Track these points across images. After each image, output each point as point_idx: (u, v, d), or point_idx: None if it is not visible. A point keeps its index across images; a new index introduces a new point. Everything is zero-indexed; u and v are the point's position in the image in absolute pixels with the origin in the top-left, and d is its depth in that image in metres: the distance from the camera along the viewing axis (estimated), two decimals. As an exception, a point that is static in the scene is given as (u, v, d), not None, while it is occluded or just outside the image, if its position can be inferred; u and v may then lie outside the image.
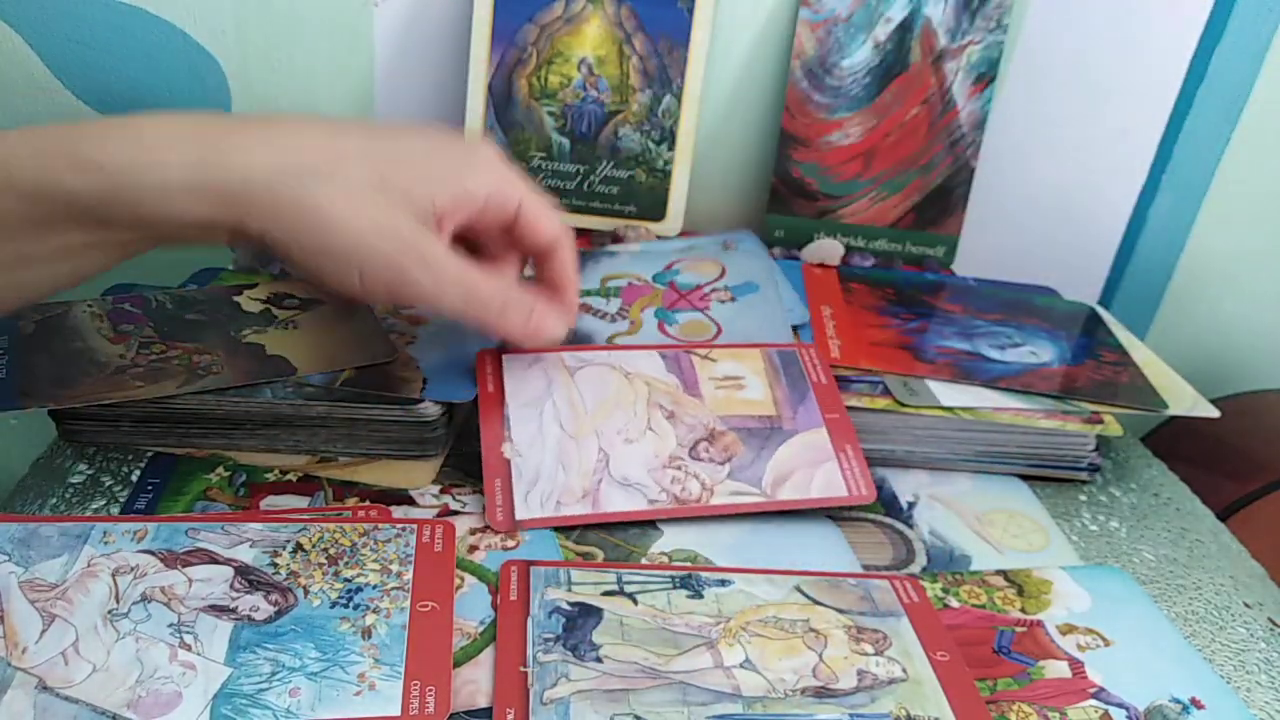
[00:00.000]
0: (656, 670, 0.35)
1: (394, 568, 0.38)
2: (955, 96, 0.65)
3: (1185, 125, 0.67)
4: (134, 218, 0.37)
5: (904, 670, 0.36)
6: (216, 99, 0.64)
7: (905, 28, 0.64)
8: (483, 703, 0.34)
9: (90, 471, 0.45)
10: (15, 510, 0.43)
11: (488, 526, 0.43)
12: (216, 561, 0.38)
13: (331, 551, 0.39)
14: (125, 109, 0.62)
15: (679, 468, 0.45)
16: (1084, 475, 0.51)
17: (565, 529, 0.43)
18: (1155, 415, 0.51)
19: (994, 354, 0.55)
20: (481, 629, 0.38)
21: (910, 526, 0.46)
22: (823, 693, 0.35)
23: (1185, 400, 0.52)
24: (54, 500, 0.43)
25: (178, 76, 0.62)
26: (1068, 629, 0.40)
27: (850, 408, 0.49)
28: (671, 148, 0.65)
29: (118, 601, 0.35)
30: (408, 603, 0.37)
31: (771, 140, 0.68)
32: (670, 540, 0.43)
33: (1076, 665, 0.38)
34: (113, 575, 0.36)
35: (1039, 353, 0.55)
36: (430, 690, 0.33)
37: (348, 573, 0.38)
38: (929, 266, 0.69)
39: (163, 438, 0.46)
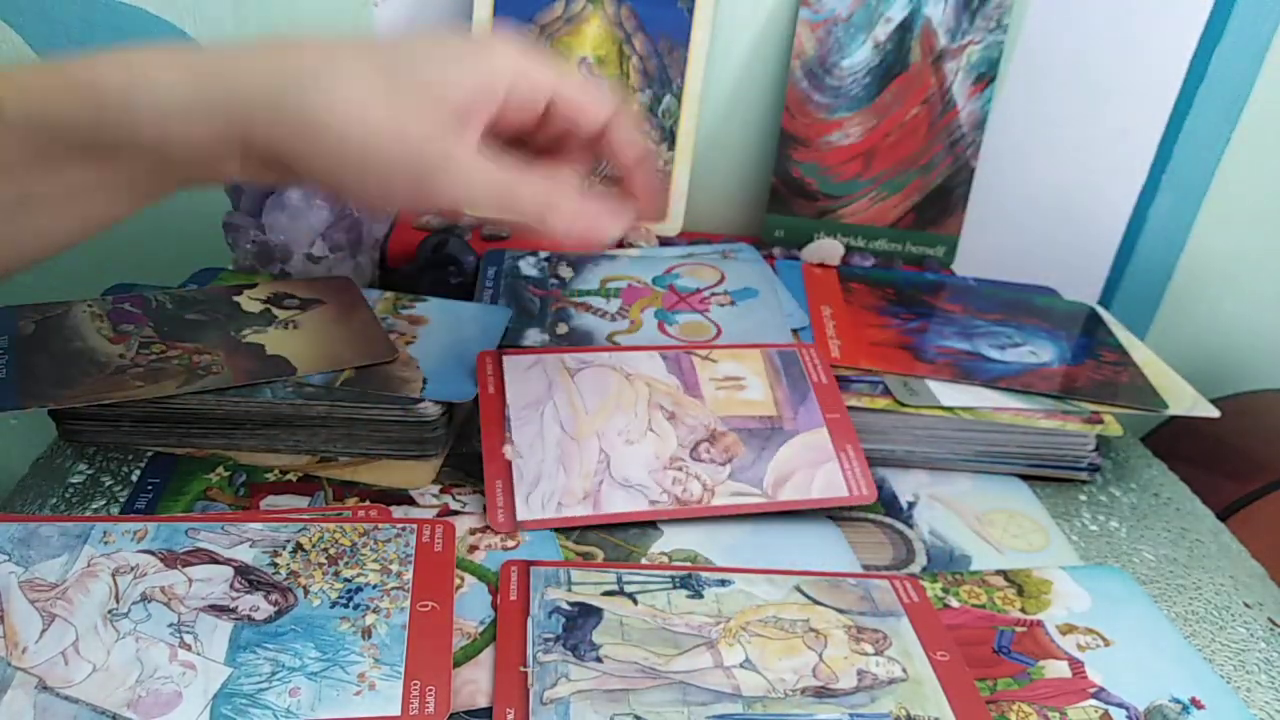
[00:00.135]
0: (656, 670, 0.35)
1: (394, 568, 0.38)
2: (955, 96, 0.65)
3: (1185, 125, 0.67)
4: (133, 144, 0.35)
5: (904, 670, 0.36)
6: (216, 99, 0.63)
7: (905, 28, 0.64)
8: (483, 703, 0.34)
9: (90, 471, 0.45)
10: (15, 510, 0.43)
11: (488, 526, 0.43)
12: (216, 561, 0.38)
13: (331, 551, 0.39)
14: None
15: (680, 469, 0.45)
16: (1084, 475, 0.51)
17: (566, 529, 0.43)
18: (1155, 415, 0.51)
19: (994, 354, 0.55)
20: (481, 629, 0.38)
21: (910, 526, 0.46)
22: (823, 692, 0.35)
23: (1185, 400, 0.52)
24: (54, 500, 0.43)
25: (178, 76, 0.62)
26: (1068, 629, 0.40)
27: (850, 408, 0.49)
28: (672, 148, 0.65)
29: (118, 601, 0.35)
30: (408, 603, 0.37)
31: (771, 140, 0.68)
32: (670, 540, 0.43)
33: (1076, 665, 0.38)
34: (113, 575, 0.36)
35: (1039, 353, 0.55)
36: (430, 690, 0.33)
37: (348, 573, 0.38)
38: (929, 266, 0.69)
39: (163, 438, 0.46)
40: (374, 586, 0.37)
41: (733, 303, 0.57)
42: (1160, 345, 0.72)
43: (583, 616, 0.37)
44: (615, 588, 0.39)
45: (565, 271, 0.59)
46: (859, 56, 0.65)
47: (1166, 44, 0.66)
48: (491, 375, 0.49)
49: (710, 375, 0.50)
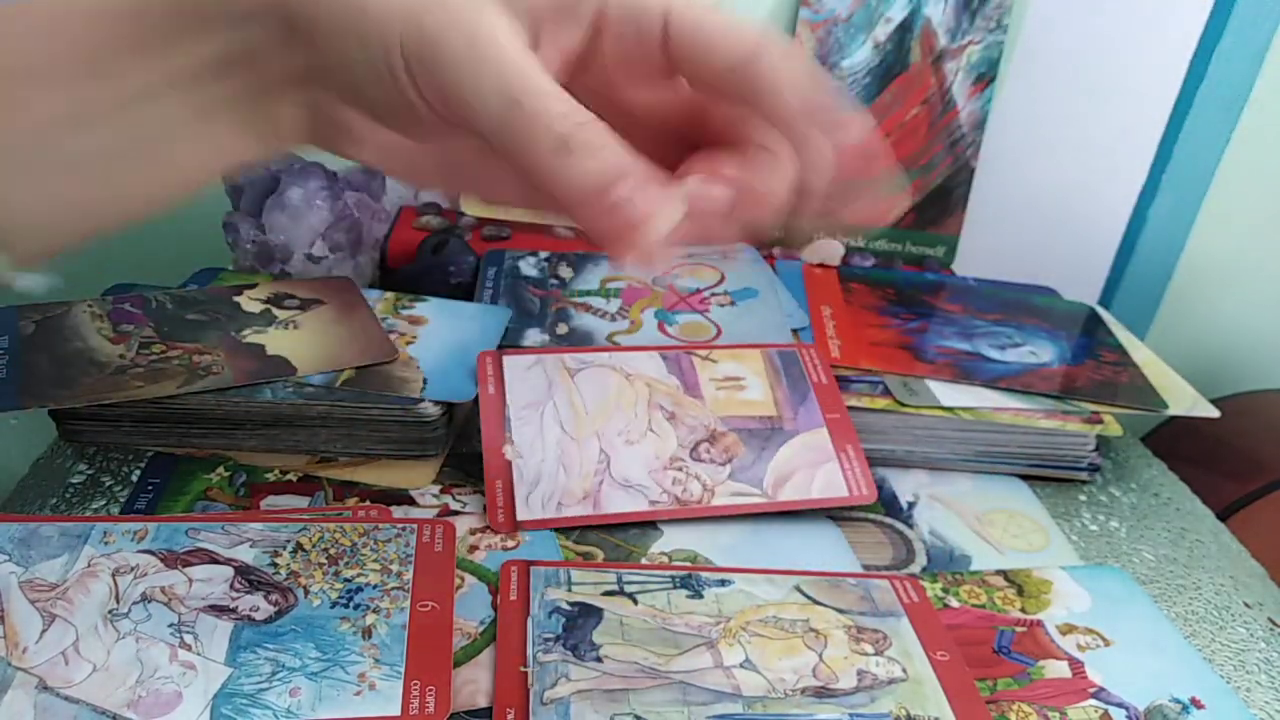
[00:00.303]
0: (656, 670, 0.35)
1: (394, 568, 0.38)
2: (955, 96, 0.65)
3: (1185, 125, 0.67)
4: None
5: (904, 670, 0.36)
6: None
7: (905, 28, 0.64)
8: (483, 703, 0.34)
9: (90, 471, 0.45)
10: (15, 510, 0.43)
11: (488, 526, 0.43)
12: (217, 561, 0.38)
13: (332, 551, 0.39)
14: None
15: (680, 469, 0.45)
16: (1084, 475, 0.51)
17: (566, 529, 0.43)
18: (1155, 415, 0.51)
19: (994, 354, 0.55)
20: (481, 629, 0.38)
21: (910, 526, 0.46)
22: (823, 693, 0.35)
23: (1185, 400, 0.52)
24: (54, 500, 0.43)
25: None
26: (1068, 629, 0.40)
27: (850, 408, 0.49)
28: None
29: (118, 601, 0.35)
30: (408, 603, 0.37)
31: (771, 140, 0.68)
32: (670, 540, 0.43)
33: (1076, 665, 0.38)
34: (113, 575, 0.36)
35: (1039, 353, 0.55)
36: (430, 690, 0.33)
37: (348, 573, 0.38)
38: (929, 266, 0.69)
39: (163, 438, 0.46)
40: (374, 586, 0.37)
41: (733, 303, 0.57)
42: (1160, 345, 0.72)
43: (583, 616, 0.37)
44: (615, 588, 0.39)
45: (565, 271, 0.59)
46: (859, 56, 0.65)
47: (1166, 44, 0.66)
48: (491, 375, 0.49)
49: (710, 375, 0.50)
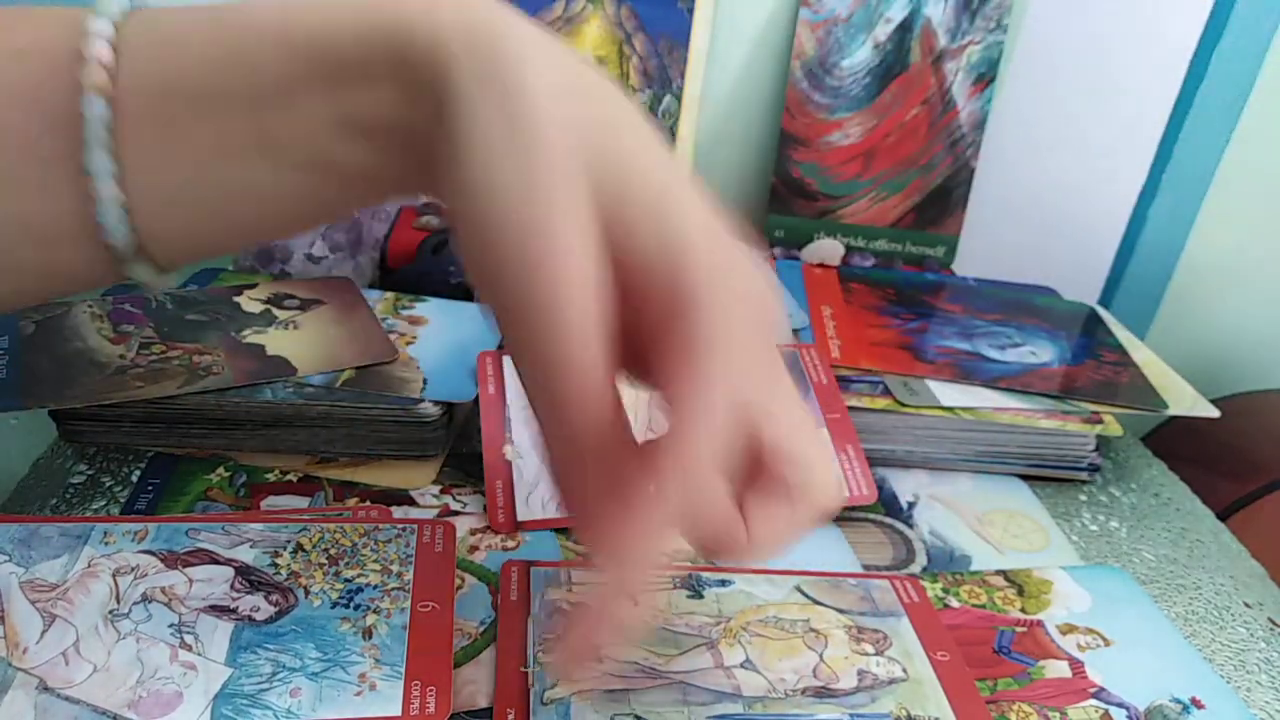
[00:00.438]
0: (656, 670, 0.35)
1: (394, 568, 0.38)
2: (955, 96, 0.65)
3: (1185, 125, 0.67)
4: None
5: (904, 670, 0.36)
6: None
7: (905, 28, 0.64)
8: (483, 703, 0.34)
9: (90, 472, 0.45)
10: (15, 510, 0.43)
11: (488, 527, 0.43)
12: (217, 562, 0.38)
13: (332, 552, 0.39)
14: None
15: (679, 468, 0.45)
16: (1084, 475, 0.51)
17: (566, 529, 0.43)
18: (1155, 415, 0.51)
19: (994, 354, 0.55)
20: (482, 629, 0.38)
21: (910, 526, 0.46)
22: (823, 693, 0.35)
23: (1185, 400, 0.52)
24: (54, 500, 0.43)
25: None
26: (1068, 629, 0.40)
27: (850, 408, 0.49)
28: (672, 148, 0.65)
29: (118, 602, 0.35)
30: (408, 603, 0.37)
31: (771, 140, 0.68)
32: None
33: (1076, 665, 0.39)
34: (113, 575, 0.36)
35: (1039, 353, 0.55)
36: (431, 690, 0.33)
37: (348, 573, 0.38)
38: (929, 266, 0.69)
39: (163, 438, 0.46)
40: (374, 587, 0.37)
41: (733, 303, 0.57)
42: (1160, 345, 0.72)
43: None
44: None
45: (565, 271, 0.59)
46: (859, 57, 0.65)
47: (1166, 44, 0.66)
48: (491, 375, 0.49)
49: (710, 375, 0.50)
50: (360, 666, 0.34)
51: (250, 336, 0.49)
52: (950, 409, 0.49)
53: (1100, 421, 0.50)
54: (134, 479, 0.44)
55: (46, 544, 0.37)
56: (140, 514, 0.42)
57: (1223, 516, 0.52)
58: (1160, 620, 0.42)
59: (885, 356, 0.53)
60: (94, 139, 0.27)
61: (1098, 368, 0.55)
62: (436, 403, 0.46)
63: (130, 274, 0.29)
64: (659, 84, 0.64)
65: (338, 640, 0.35)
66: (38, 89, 0.28)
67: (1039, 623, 0.41)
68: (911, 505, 0.48)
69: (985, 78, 0.65)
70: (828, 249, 0.67)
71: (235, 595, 0.36)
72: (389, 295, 0.55)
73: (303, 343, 0.49)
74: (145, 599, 0.36)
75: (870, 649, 0.37)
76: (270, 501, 0.44)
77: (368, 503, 0.44)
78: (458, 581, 0.40)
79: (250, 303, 0.52)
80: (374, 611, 0.36)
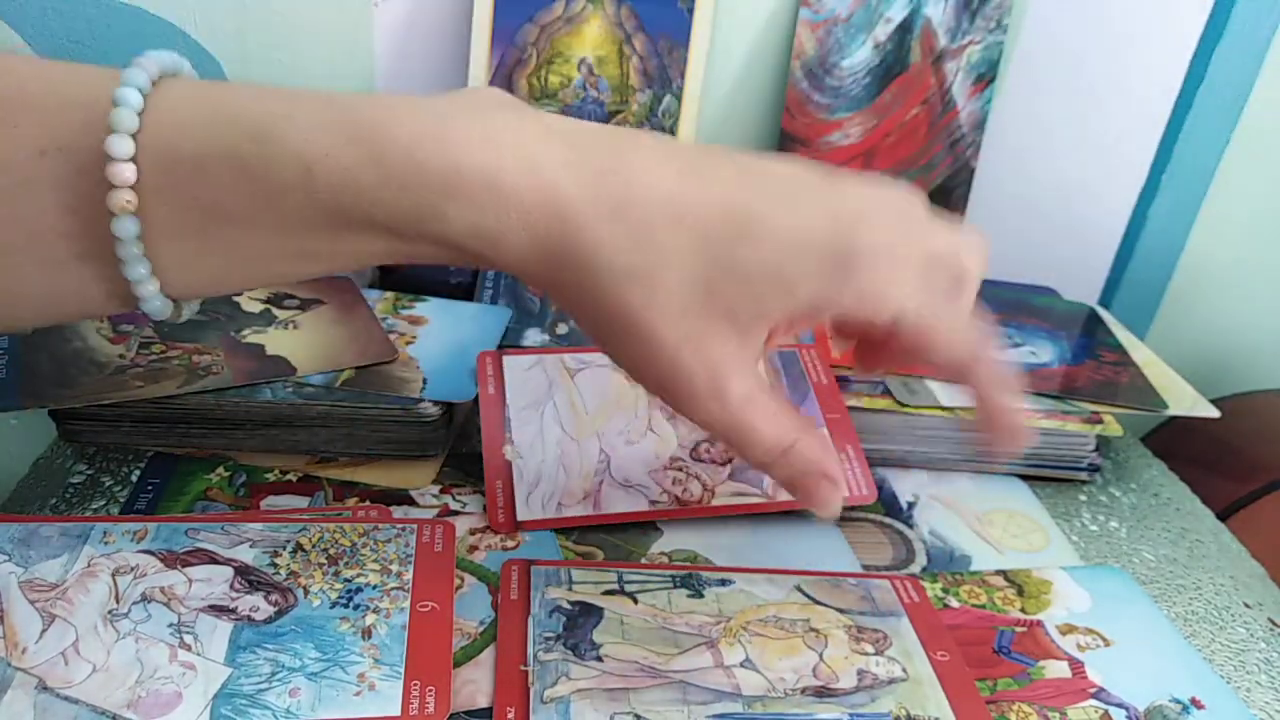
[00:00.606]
0: (656, 669, 0.35)
1: (394, 568, 0.38)
2: (955, 96, 0.65)
3: (1185, 125, 0.67)
4: (453, 242, 0.30)
5: (904, 670, 0.36)
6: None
7: (905, 28, 0.64)
8: (483, 703, 0.34)
9: (90, 471, 0.45)
10: (15, 510, 0.43)
11: (488, 526, 0.43)
12: (216, 561, 0.38)
13: (331, 551, 0.39)
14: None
15: (680, 469, 0.45)
16: (1084, 475, 0.51)
17: (566, 529, 0.43)
18: (1155, 415, 0.51)
19: (994, 354, 0.55)
20: (481, 629, 0.38)
21: (910, 526, 0.46)
22: (823, 692, 0.35)
23: (1185, 400, 0.52)
24: (54, 500, 0.43)
25: (178, 77, 0.62)
26: (1068, 629, 0.40)
27: (850, 408, 0.49)
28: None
29: (118, 601, 0.35)
30: (408, 603, 0.37)
31: (771, 140, 0.68)
32: (670, 540, 0.43)
33: (1076, 665, 0.38)
34: (113, 575, 0.36)
35: (1039, 353, 0.55)
36: (430, 690, 0.33)
37: (348, 573, 0.38)
38: (929, 266, 0.69)
39: (163, 438, 0.46)
40: (374, 587, 0.37)
41: (733, 303, 0.57)
42: (1160, 345, 0.72)
43: (583, 615, 0.37)
44: (616, 587, 0.39)
45: (565, 271, 0.59)
46: (859, 57, 0.65)
47: (1166, 44, 0.66)
48: (491, 375, 0.49)
49: (710, 375, 0.50)
50: (359, 666, 0.34)
51: (250, 336, 0.49)
52: (950, 409, 0.49)
53: (1100, 421, 0.49)
54: (134, 479, 0.44)
55: (46, 544, 0.37)
56: (140, 514, 0.42)
57: (1223, 516, 0.52)
58: (1160, 620, 0.42)
59: (885, 356, 0.53)
60: (128, 255, 0.29)
61: (1098, 368, 0.54)
62: (436, 403, 0.46)
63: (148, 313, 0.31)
64: (659, 84, 0.64)
65: (337, 640, 0.35)
66: (66, 189, 0.28)
67: (1039, 623, 0.41)
68: (911, 505, 0.48)
69: (985, 78, 0.65)
70: (828, 249, 0.67)
71: (235, 595, 0.36)
72: (389, 295, 0.55)
73: (302, 342, 0.49)
74: (145, 599, 0.36)
75: (870, 649, 0.37)
76: (270, 501, 0.44)
77: (367, 503, 0.44)
78: (457, 581, 0.40)
79: (250, 302, 0.52)
80: (373, 611, 0.36)
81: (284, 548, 0.39)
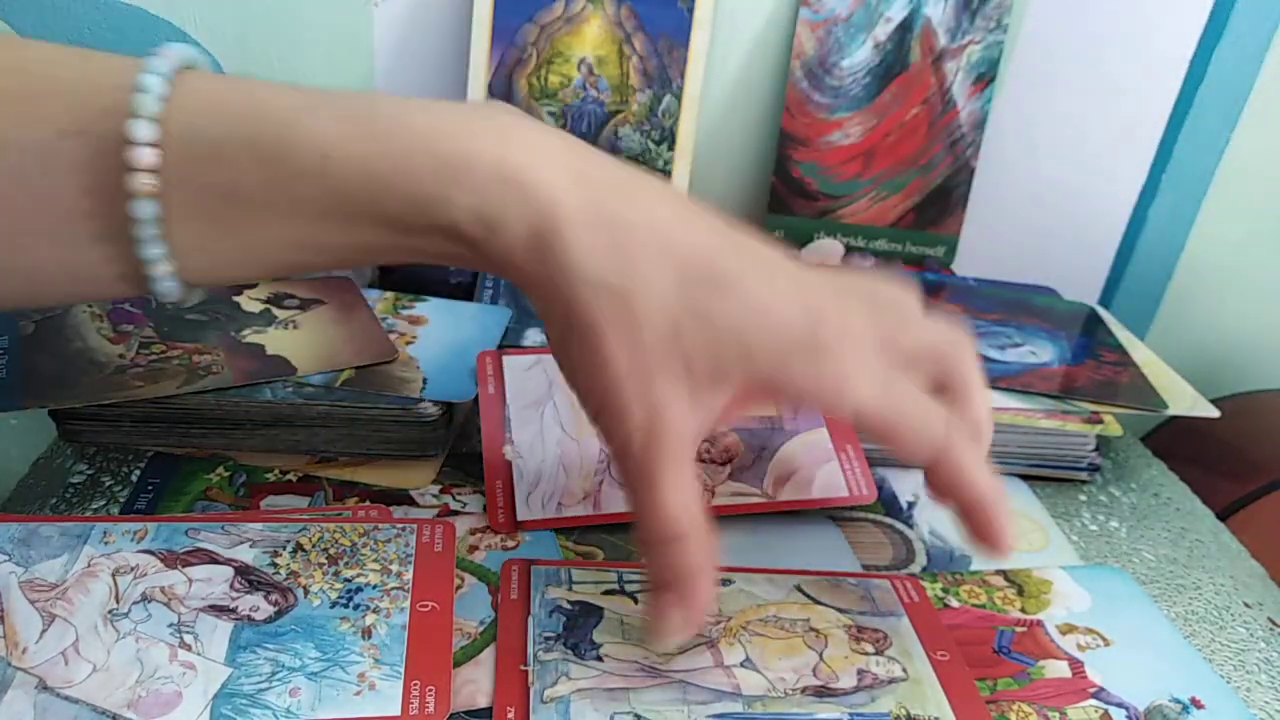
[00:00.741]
0: (657, 669, 0.35)
1: (394, 568, 0.38)
2: (955, 96, 0.65)
3: (1185, 125, 0.67)
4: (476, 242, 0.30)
5: (904, 670, 0.36)
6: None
7: (905, 28, 0.64)
8: (483, 703, 0.34)
9: (90, 471, 0.45)
10: (15, 510, 0.43)
11: (488, 526, 0.43)
12: (216, 561, 0.38)
13: (331, 551, 0.39)
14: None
15: (679, 468, 0.45)
16: (1084, 475, 0.51)
17: (566, 529, 0.43)
18: (1155, 415, 0.51)
19: (994, 354, 0.55)
20: (481, 629, 0.38)
21: (910, 526, 0.46)
22: (823, 692, 0.35)
23: (1185, 400, 0.52)
24: (54, 500, 0.43)
25: (178, 76, 0.62)
26: (1068, 629, 0.40)
27: (850, 408, 0.49)
28: (671, 148, 0.65)
29: (118, 601, 0.35)
30: (408, 603, 0.37)
31: (771, 140, 0.68)
32: (670, 540, 0.43)
33: (1076, 665, 0.38)
34: (113, 575, 0.36)
35: (1039, 353, 0.55)
36: (430, 690, 0.33)
37: (348, 573, 0.38)
38: (929, 266, 0.69)
39: (163, 438, 0.46)
40: (374, 586, 0.37)
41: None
42: (1160, 345, 0.72)
43: (583, 615, 0.37)
44: (616, 586, 0.39)
45: (565, 271, 0.59)
46: (859, 56, 0.65)
47: (1166, 44, 0.66)
48: (491, 375, 0.49)
49: (710, 375, 0.50)
50: (360, 666, 0.34)
51: (250, 336, 0.49)
52: (950, 409, 0.49)
53: (1100, 421, 0.49)
54: (134, 479, 0.44)
55: (46, 544, 0.37)
56: (140, 514, 0.42)
57: (1223, 516, 0.52)
58: (1160, 620, 0.42)
59: (885, 356, 0.53)
60: (146, 235, 0.29)
61: (1098, 368, 0.55)
62: (436, 403, 0.46)
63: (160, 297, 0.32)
64: (659, 84, 0.64)
65: (337, 640, 0.35)
66: (86, 171, 0.29)
67: (1039, 623, 0.41)
68: (911, 505, 0.48)
69: (985, 78, 0.65)
70: (828, 249, 0.67)
71: (235, 595, 0.36)
72: (389, 295, 0.55)
73: (302, 342, 0.49)
74: (145, 599, 0.36)
75: (870, 648, 0.37)
76: (270, 501, 0.44)
77: (367, 503, 0.44)
78: (457, 581, 0.40)
79: (250, 302, 0.52)
80: (373, 611, 0.36)
81: (284, 548, 0.39)
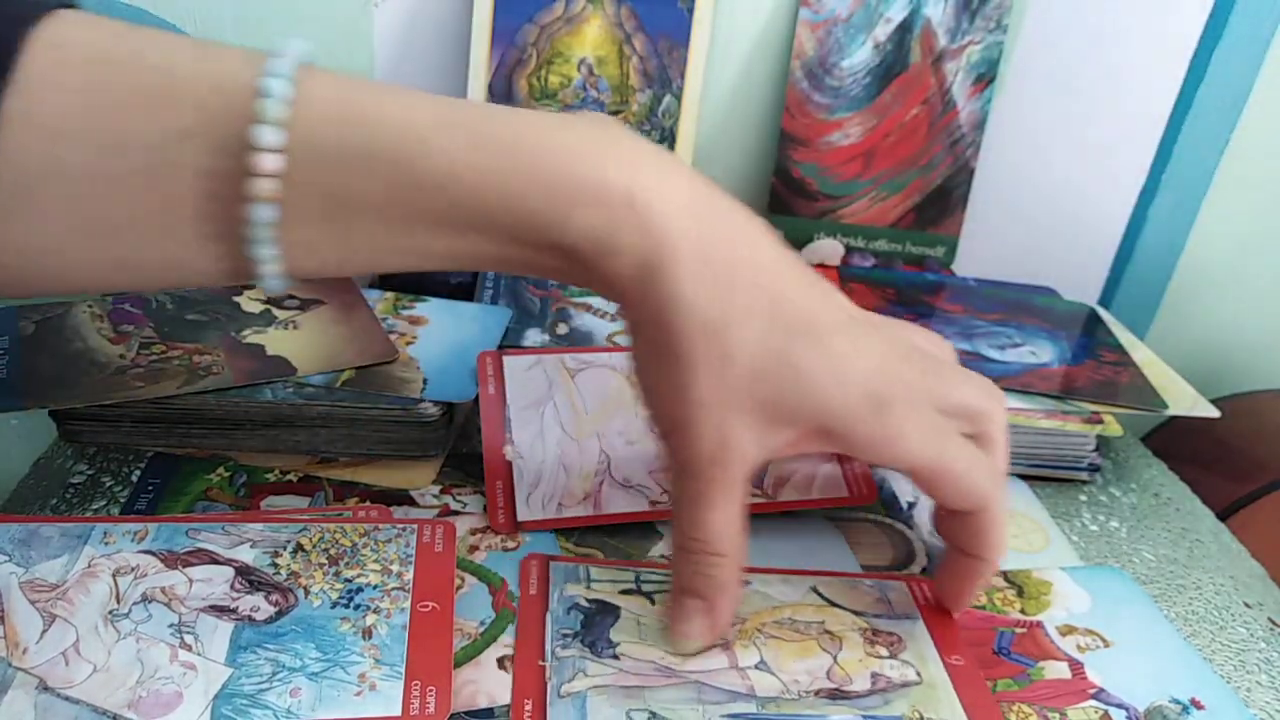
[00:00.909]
0: (672, 669, 0.35)
1: (394, 568, 0.38)
2: (955, 96, 0.65)
3: (1185, 125, 0.67)
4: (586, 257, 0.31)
5: (917, 673, 0.36)
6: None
7: (905, 28, 0.64)
8: (483, 703, 0.34)
9: (90, 472, 0.45)
10: (15, 510, 0.43)
11: (488, 527, 0.43)
12: (217, 562, 0.38)
13: (332, 552, 0.39)
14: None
15: (679, 468, 0.45)
16: (1084, 475, 0.51)
17: (566, 531, 0.43)
18: (1155, 415, 0.51)
19: (994, 354, 0.55)
20: (482, 629, 0.38)
21: (910, 526, 0.46)
22: (836, 694, 0.35)
23: (1185, 400, 0.52)
24: (54, 500, 0.43)
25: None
26: (1067, 630, 0.40)
27: (850, 408, 0.49)
28: (672, 148, 0.65)
29: (118, 602, 0.35)
30: (408, 603, 0.37)
31: (771, 140, 0.68)
32: (670, 543, 0.43)
33: (1076, 666, 0.38)
34: (113, 575, 0.36)
35: (1039, 353, 0.55)
36: (431, 690, 0.33)
37: (348, 573, 0.38)
38: (929, 266, 0.69)
39: (163, 438, 0.46)
40: (374, 587, 0.37)
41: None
42: (1160, 345, 0.72)
43: (600, 614, 0.37)
44: (633, 586, 0.39)
45: (565, 271, 0.59)
46: (859, 57, 0.65)
47: (1166, 44, 0.66)
48: (491, 375, 0.49)
49: (710, 375, 0.50)
50: (360, 666, 0.34)
51: (250, 336, 0.49)
52: (950, 409, 0.49)
53: (1100, 421, 0.49)
54: (134, 479, 0.44)
55: (46, 544, 0.37)
56: (140, 514, 0.42)
57: (1223, 516, 0.52)
58: (1160, 621, 0.42)
59: (885, 356, 0.53)
60: (260, 237, 0.29)
61: (1098, 368, 0.55)
62: (436, 403, 0.46)
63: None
64: (659, 84, 0.64)
65: (337, 640, 0.35)
66: (205, 172, 0.29)
67: (1038, 624, 0.41)
68: (911, 505, 0.48)
69: (985, 78, 0.65)
70: (828, 249, 0.67)
71: (235, 595, 0.36)
72: (389, 295, 0.55)
73: (303, 343, 0.49)
74: (145, 599, 0.36)
75: (884, 651, 0.37)
76: (270, 501, 0.44)
77: (368, 503, 0.44)
78: (458, 581, 0.40)
79: (250, 302, 0.52)
80: (374, 611, 0.36)
81: (284, 548, 0.39)
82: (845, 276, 0.63)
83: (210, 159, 0.28)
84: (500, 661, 0.36)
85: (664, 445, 0.34)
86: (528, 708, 0.34)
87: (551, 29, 0.63)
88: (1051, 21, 0.66)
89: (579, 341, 0.53)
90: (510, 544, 0.42)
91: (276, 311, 0.52)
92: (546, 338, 0.53)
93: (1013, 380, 0.52)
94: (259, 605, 0.36)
